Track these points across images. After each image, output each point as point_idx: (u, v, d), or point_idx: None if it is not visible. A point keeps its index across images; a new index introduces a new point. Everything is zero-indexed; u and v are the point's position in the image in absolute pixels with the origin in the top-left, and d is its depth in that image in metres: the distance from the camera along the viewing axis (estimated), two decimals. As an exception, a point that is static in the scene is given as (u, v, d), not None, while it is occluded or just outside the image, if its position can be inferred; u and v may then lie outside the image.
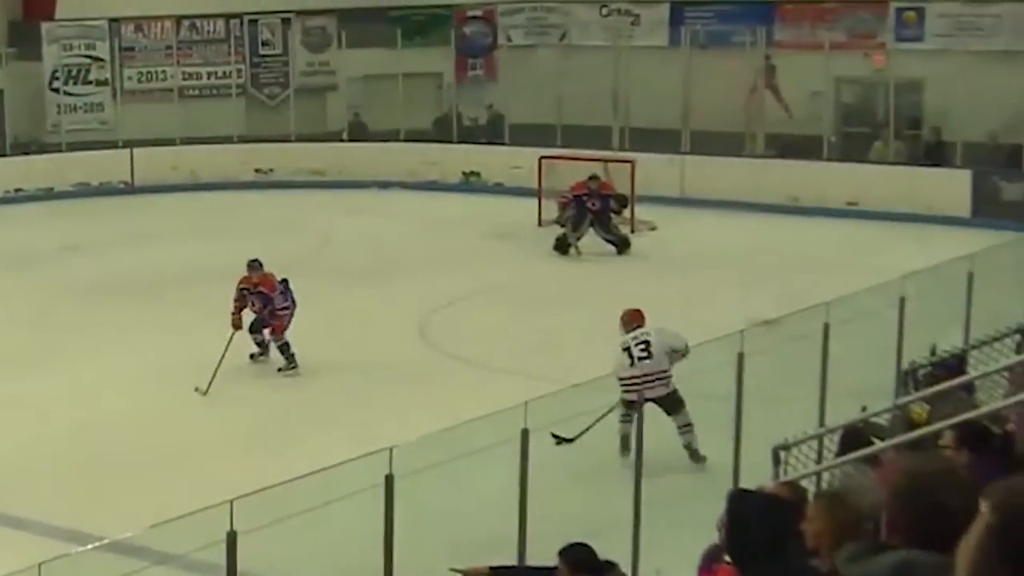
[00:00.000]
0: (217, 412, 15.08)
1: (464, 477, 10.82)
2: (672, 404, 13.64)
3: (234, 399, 15.40)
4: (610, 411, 13.56)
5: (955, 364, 11.17)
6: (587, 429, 13.27)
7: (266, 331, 16.82)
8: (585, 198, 23.01)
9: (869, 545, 3.20)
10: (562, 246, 23.05)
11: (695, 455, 13.66)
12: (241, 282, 16.77)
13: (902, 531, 3.12)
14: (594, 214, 22.96)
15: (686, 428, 13.68)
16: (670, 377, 13.62)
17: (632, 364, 13.63)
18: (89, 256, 21.02)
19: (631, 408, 12.96)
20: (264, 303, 16.65)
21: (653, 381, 13.47)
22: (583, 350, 16.83)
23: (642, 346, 13.78)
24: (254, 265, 16.82)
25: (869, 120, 28.00)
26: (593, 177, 23.46)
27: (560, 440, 13.03)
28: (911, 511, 3.09)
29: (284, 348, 16.57)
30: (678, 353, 13.76)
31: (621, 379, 13.53)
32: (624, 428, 13.42)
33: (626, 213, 24.38)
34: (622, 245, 23.12)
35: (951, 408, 9.02)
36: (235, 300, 16.71)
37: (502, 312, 19.22)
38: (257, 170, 29.51)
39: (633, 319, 14.13)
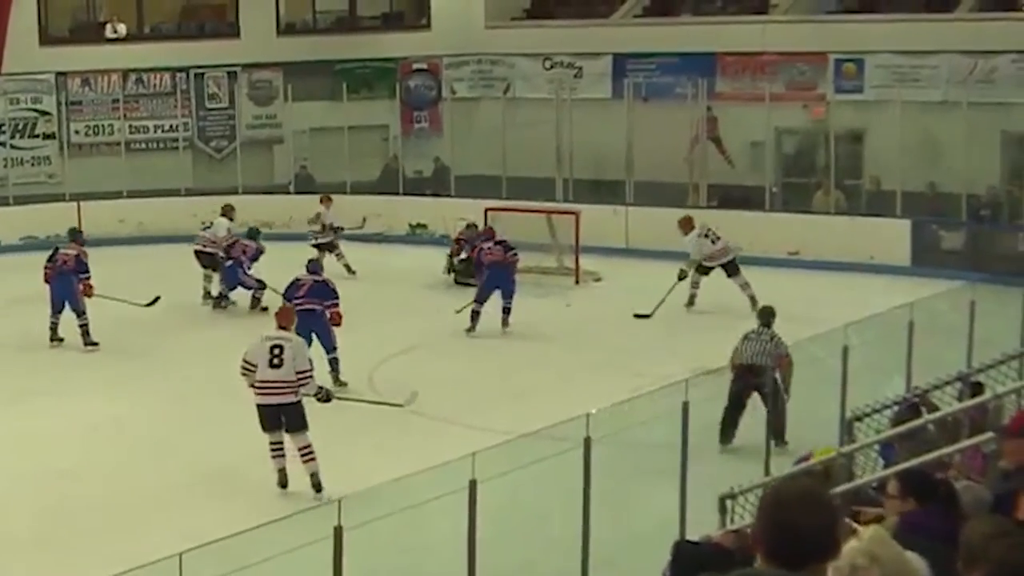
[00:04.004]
0: (167, 463, 15.07)
1: (413, 528, 10.90)
2: (734, 267, 21.88)
3: (183, 450, 15.41)
4: (679, 280, 21.82)
5: (917, 407, 11.34)
6: (661, 302, 21.39)
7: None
8: (464, 243, 23.91)
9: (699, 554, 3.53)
10: (462, 273, 24.08)
11: (754, 302, 20.14)
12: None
13: (762, 544, 3.39)
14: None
15: (746, 284, 21.59)
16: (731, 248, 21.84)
17: (713, 243, 21.94)
18: (37, 310, 20.93)
19: (704, 274, 21.95)
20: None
21: (729, 252, 21.91)
22: (531, 400, 16.94)
23: (709, 231, 22.07)
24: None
25: (810, 170, 28.25)
26: (470, 226, 24.27)
27: (640, 316, 21.38)
28: (770, 526, 3.35)
29: None
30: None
31: (707, 255, 21.87)
32: (694, 290, 21.92)
33: (569, 263, 24.59)
34: None
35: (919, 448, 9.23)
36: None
37: (450, 363, 19.31)
38: (204, 223, 29.46)
39: (689, 222, 22.35)
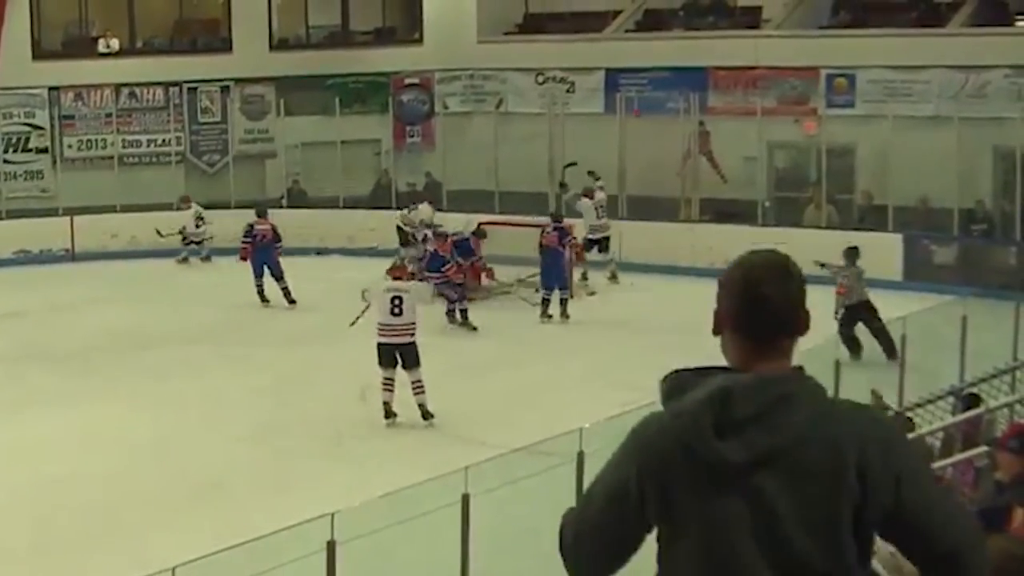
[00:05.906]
0: (162, 473, 15.06)
1: (406, 542, 10.89)
2: (607, 245, 25.18)
3: (178, 461, 15.41)
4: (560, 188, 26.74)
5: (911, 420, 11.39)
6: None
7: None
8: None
9: (688, 376, 3.45)
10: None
11: (614, 276, 25.06)
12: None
13: (730, 319, 3.46)
14: None
15: (610, 261, 25.16)
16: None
17: (598, 219, 25.18)
18: (29, 324, 20.97)
19: (587, 249, 24.71)
20: None
21: (606, 231, 25.28)
22: (525, 414, 16.94)
23: (603, 207, 25.35)
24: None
25: (802, 185, 28.28)
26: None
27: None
28: (738, 300, 3.45)
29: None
30: None
31: (589, 225, 24.94)
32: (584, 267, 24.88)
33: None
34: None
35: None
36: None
37: (442, 377, 19.30)
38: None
39: (590, 192, 25.34)
